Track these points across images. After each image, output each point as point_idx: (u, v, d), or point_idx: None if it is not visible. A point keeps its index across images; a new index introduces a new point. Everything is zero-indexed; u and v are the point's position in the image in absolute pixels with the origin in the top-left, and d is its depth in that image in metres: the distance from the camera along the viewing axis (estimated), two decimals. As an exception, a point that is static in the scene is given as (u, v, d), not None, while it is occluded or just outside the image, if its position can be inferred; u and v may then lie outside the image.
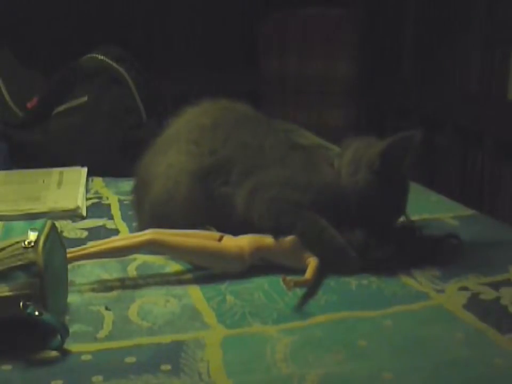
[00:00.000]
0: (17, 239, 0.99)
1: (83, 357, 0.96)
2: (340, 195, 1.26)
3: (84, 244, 1.27)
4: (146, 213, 1.35)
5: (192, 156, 1.31)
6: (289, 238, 1.23)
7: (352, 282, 1.19)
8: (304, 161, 1.30)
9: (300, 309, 1.10)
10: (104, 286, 1.19)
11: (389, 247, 1.24)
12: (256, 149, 1.31)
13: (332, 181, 1.28)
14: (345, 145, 1.33)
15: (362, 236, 1.24)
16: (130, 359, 0.95)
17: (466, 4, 2.25)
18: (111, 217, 1.56)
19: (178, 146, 1.34)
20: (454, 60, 2.32)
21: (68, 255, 1.14)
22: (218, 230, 1.27)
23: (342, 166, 1.29)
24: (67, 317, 1.07)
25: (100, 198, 1.72)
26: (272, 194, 1.26)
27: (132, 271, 1.25)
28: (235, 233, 1.25)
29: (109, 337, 1.01)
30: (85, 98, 1.98)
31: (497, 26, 2.12)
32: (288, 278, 1.11)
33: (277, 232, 1.23)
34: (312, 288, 1.16)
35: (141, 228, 1.30)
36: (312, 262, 1.19)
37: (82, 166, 1.87)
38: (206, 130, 1.34)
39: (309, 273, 1.16)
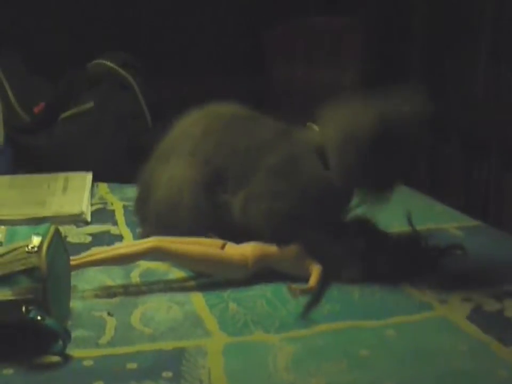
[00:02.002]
0: (21, 244, 0.99)
1: (85, 363, 0.96)
2: (330, 189, 1.25)
3: (88, 249, 1.27)
4: (150, 222, 1.35)
5: (190, 166, 1.32)
6: (293, 246, 1.23)
7: (355, 291, 1.19)
8: (285, 161, 1.28)
9: (305, 317, 1.10)
10: (107, 292, 1.19)
11: (390, 257, 1.24)
12: (243, 153, 1.31)
13: (317, 175, 1.26)
14: (325, 117, 1.28)
15: (363, 244, 1.24)
16: (131, 365, 0.95)
17: (474, 11, 2.25)
18: (115, 223, 1.56)
19: (176, 158, 1.34)
20: (461, 68, 2.32)
21: (72, 263, 1.14)
22: (222, 236, 1.27)
23: (327, 142, 1.25)
24: (69, 322, 1.07)
25: (105, 203, 1.72)
26: (266, 207, 1.27)
27: (135, 277, 1.25)
28: (237, 239, 1.25)
29: (111, 343, 1.01)
30: (91, 104, 1.99)
31: (504, 33, 2.12)
32: (294, 286, 1.11)
33: (277, 241, 1.23)
34: (316, 296, 1.16)
35: (145, 235, 1.30)
36: (315, 270, 1.19)
37: (88, 171, 1.87)
38: (199, 141, 1.34)
39: (312, 281, 1.16)
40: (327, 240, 1.24)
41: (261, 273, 1.24)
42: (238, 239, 1.26)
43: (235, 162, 1.31)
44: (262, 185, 1.28)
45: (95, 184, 1.86)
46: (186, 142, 1.35)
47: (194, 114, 1.40)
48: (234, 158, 1.31)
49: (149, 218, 1.36)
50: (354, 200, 1.29)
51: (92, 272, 1.25)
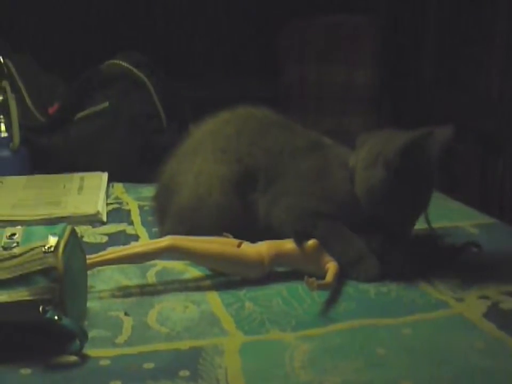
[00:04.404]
0: (38, 244, 0.99)
1: (101, 362, 0.96)
2: (353, 202, 1.25)
3: (104, 249, 1.28)
4: (173, 219, 1.35)
5: (221, 163, 1.32)
6: (309, 243, 1.23)
7: (371, 289, 1.19)
8: (318, 168, 1.30)
9: (323, 314, 1.10)
10: (124, 292, 1.19)
11: (406, 254, 1.24)
12: (277, 156, 1.32)
13: (344, 188, 1.26)
14: (361, 141, 1.29)
15: (379, 242, 1.24)
16: (148, 365, 0.95)
17: (488, 9, 2.24)
18: (131, 223, 1.56)
19: (204, 155, 1.35)
20: (475, 66, 2.32)
21: (88, 261, 1.15)
22: (248, 235, 1.26)
23: (357, 162, 1.26)
24: (86, 322, 1.07)
25: (120, 203, 1.73)
26: (289, 202, 1.27)
27: (151, 276, 1.25)
28: (259, 239, 1.26)
29: (127, 343, 1.02)
30: (106, 104, 1.99)
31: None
32: (311, 279, 1.11)
33: (297, 236, 1.24)
34: (334, 294, 1.16)
35: (165, 234, 1.29)
36: (331, 267, 1.19)
37: (103, 171, 1.88)
38: (231, 139, 1.35)
39: (329, 277, 1.16)
40: (346, 237, 1.25)
41: (277, 271, 1.24)
42: (261, 238, 1.26)
43: (268, 164, 1.31)
44: (289, 184, 1.29)
45: (111, 184, 1.86)
46: (218, 140, 1.36)
47: (224, 114, 1.40)
48: (268, 160, 1.32)
49: (171, 215, 1.36)
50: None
51: (108, 272, 1.25)
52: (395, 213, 1.23)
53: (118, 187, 1.87)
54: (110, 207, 1.68)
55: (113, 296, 1.18)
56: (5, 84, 1.98)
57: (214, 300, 1.16)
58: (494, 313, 1.10)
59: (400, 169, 1.20)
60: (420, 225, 1.32)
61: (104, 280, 1.23)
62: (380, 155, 1.22)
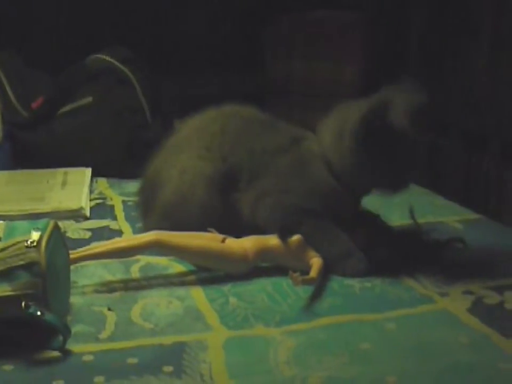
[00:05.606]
0: (20, 239, 0.98)
1: (85, 358, 0.95)
2: (334, 193, 1.26)
3: (88, 244, 1.27)
4: (156, 215, 1.35)
5: (205, 161, 1.32)
6: (294, 239, 1.22)
7: (356, 285, 1.19)
8: (295, 163, 1.30)
9: (308, 310, 1.10)
10: (107, 287, 1.19)
11: (391, 250, 1.24)
12: (260, 155, 1.32)
13: (323, 179, 1.27)
14: (321, 126, 1.32)
15: (364, 237, 1.24)
16: (132, 360, 0.95)
17: (474, 8, 2.25)
18: (114, 218, 1.56)
19: (189, 152, 1.34)
20: (461, 63, 2.32)
21: (71, 256, 1.14)
22: (230, 233, 1.26)
23: (325, 138, 1.27)
24: (69, 317, 1.06)
25: (104, 198, 1.72)
26: (273, 200, 1.27)
27: (135, 272, 1.25)
28: (243, 236, 1.25)
29: (111, 338, 1.01)
30: (90, 99, 1.98)
31: (505, 29, 2.11)
32: (296, 274, 1.10)
33: (281, 234, 1.23)
34: (318, 289, 1.16)
35: (149, 229, 1.29)
36: (316, 262, 1.19)
37: (87, 166, 1.87)
38: (216, 137, 1.34)
39: (313, 272, 1.16)
40: (332, 231, 1.25)
41: (262, 267, 1.24)
42: (244, 236, 1.25)
43: (250, 163, 1.32)
44: (271, 183, 1.29)
45: (94, 179, 1.86)
46: (203, 138, 1.35)
47: (210, 112, 1.40)
48: (250, 159, 1.32)
49: (155, 211, 1.36)
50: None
51: (92, 267, 1.25)
52: (381, 177, 1.24)
53: (102, 182, 1.86)
54: (94, 203, 1.68)
55: (97, 291, 1.17)
56: (-13, 79, 1.97)
57: (198, 295, 1.16)
58: (478, 308, 1.10)
59: (368, 138, 1.20)
60: (405, 220, 1.33)
61: (87, 276, 1.22)
62: (344, 130, 1.23)
